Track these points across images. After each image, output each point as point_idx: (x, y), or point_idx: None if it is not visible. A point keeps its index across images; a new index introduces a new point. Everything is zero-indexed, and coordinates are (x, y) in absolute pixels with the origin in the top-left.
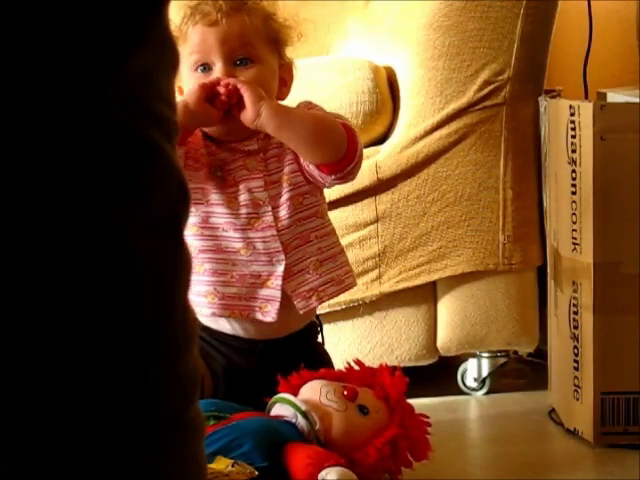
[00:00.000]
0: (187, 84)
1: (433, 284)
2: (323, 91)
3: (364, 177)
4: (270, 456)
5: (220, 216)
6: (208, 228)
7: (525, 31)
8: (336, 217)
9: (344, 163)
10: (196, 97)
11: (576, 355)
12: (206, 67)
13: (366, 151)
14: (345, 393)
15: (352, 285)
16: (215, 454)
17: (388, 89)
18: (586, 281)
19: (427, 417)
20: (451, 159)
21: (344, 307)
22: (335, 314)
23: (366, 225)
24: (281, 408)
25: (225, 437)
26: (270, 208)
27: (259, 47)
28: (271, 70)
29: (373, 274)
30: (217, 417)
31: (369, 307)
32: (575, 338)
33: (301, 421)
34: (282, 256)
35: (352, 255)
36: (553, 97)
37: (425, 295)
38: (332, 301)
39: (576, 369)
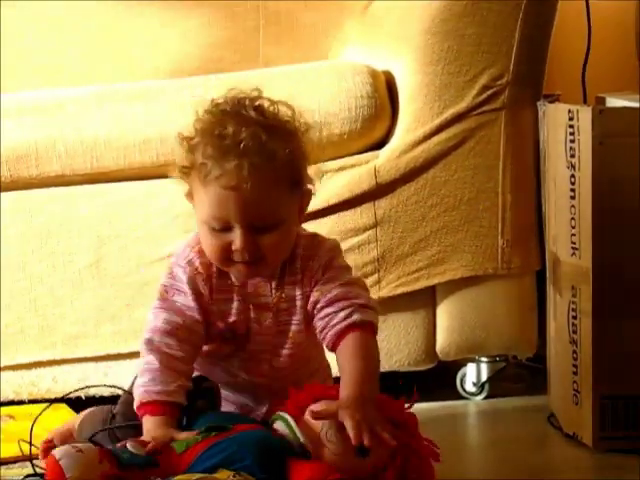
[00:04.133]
0: (202, 233)
1: (432, 289)
2: (322, 95)
3: (363, 182)
4: (270, 469)
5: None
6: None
7: (524, 36)
8: (335, 222)
9: None
10: None
11: (575, 360)
12: (224, 226)
13: (365, 156)
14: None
15: None
16: (217, 467)
17: (387, 94)
18: (585, 286)
19: (436, 448)
20: (450, 164)
21: None
22: None
23: (365, 230)
24: (282, 428)
25: (226, 450)
26: (269, 356)
27: (282, 207)
28: (293, 223)
29: (372, 279)
30: (219, 428)
31: None
32: (574, 343)
33: (298, 449)
34: (267, 401)
35: (351, 260)
36: (552, 102)
37: (424, 300)
38: None
39: (575, 374)
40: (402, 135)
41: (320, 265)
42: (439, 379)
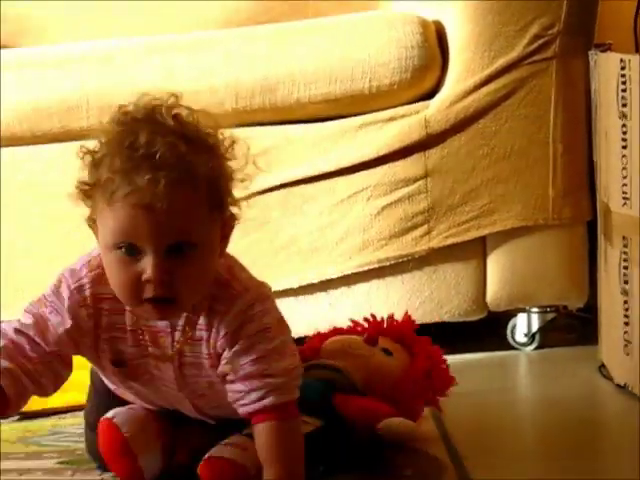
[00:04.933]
0: (108, 264)
1: (482, 239)
2: (372, 46)
3: (413, 132)
4: (325, 409)
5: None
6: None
7: None
8: (385, 173)
9: None
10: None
11: (626, 310)
12: (133, 250)
13: (415, 106)
14: (364, 338)
15: None
16: None
17: (437, 44)
18: (636, 236)
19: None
20: (500, 114)
21: (393, 262)
22: (384, 270)
23: (415, 180)
24: (317, 373)
25: None
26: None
27: (201, 229)
28: (212, 249)
29: (422, 229)
30: None
31: (418, 262)
32: (625, 293)
33: (340, 379)
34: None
35: (401, 210)
36: (603, 51)
37: (474, 250)
38: (381, 256)
39: (626, 324)
40: (452, 85)
41: (229, 331)
42: (489, 330)
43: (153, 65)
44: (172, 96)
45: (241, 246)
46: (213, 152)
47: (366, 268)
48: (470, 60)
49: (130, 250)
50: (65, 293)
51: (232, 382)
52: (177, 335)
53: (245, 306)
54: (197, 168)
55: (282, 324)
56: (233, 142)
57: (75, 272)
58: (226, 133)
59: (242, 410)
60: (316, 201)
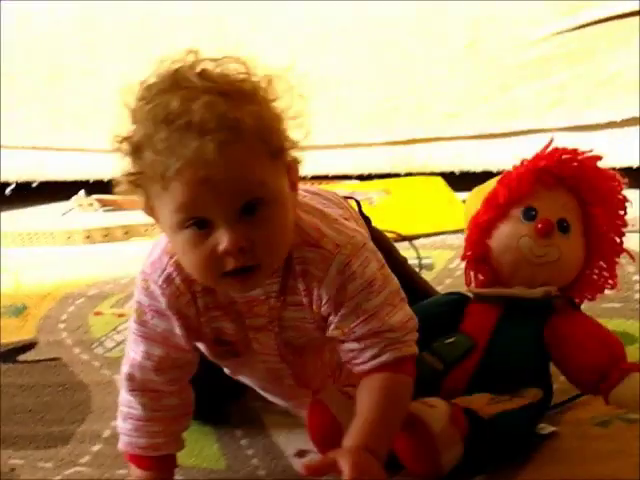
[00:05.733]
0: (178, 246)
1: None
2: None
3: None
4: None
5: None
6: None
7: None
8: None
9: None
10: None
11: None
12: (202, 224)
13: None
14: (539, 227)
15: None
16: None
17: None
18: None
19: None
20: None
21: None
22: None
23: None
24: None
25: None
26: (289, 372)
27: (267, 179)
28: (284, 200)
29: None
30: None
31: None
32: None
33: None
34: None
35: None
36: None
37: None
38: None
39: None
40: None
41: (330, 296)
42: None
43: None
44: (190, 53)
45: (564, 77)
46: (253, 99)
47: None
48: None
49: (199, 225)
50: (157, 291)
51: (343, 342)
52: (272, 302)
53: (341, 265)
54: (244, 121)
55: (385, 272)
56: (270, 81)
57: (156, 263)
58: (259, 73)
59: (357, 369)
60: None
